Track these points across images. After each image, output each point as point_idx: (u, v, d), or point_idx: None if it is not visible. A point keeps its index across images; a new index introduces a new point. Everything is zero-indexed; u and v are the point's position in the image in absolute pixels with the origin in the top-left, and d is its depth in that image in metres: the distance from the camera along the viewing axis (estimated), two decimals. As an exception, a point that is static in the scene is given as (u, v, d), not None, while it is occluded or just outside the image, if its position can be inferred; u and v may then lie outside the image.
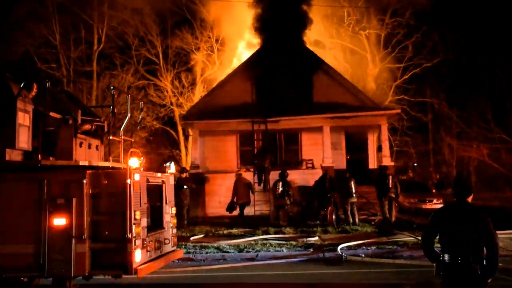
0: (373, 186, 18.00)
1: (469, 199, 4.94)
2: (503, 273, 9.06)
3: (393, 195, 16.74)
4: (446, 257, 4.74)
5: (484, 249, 4.66)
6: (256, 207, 19.03)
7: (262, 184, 19.01)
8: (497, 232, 4.86)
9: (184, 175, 18.14)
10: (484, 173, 32.75)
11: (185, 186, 17.14)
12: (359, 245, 12.63)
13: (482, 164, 32.79)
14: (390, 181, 16.65)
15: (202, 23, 33.47)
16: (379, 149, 22.64)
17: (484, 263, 4.64)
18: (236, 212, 17.91)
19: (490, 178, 32.11)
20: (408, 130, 34.20)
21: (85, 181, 6.70)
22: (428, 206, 20.06)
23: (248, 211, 19.33)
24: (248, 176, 20.17)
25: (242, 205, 17.76)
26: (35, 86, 7.08)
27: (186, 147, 33.78)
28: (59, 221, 6.61)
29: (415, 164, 37.17)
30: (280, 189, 16.78)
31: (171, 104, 33.85)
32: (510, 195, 26.47)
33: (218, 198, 20.34)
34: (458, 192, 4.95)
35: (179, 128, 33.79)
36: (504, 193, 27.88)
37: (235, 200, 17.69)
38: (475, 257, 4.64)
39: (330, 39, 31.53)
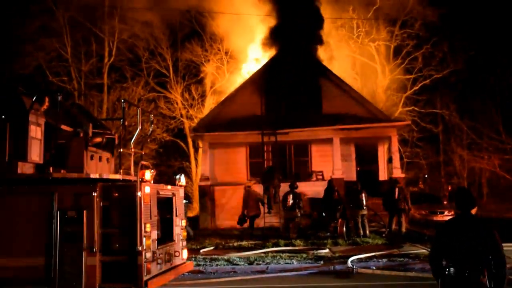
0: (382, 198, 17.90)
1: (473, 211, 4.84)
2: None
3: (402, 207, 16.59)
4: (452, 270, 4.64)
5: (492, 261, 4.58)
6: (266, 219, 18.96)
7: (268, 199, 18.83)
8: (509, 244, 4.81)
9: None
10: (496, 184, 32.41)
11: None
12: (370, 258, 12.52)
13: (494, 175, 32.48)
14: (396, 193, 16.54)
15: (211, 35, 33.71)
16: (390, 160, 22.52)
17: (492, 276, 4.55)
18: (246, 225, 17.86)
19: (502, 190, 31.75)
20: (419, 141, 34.00)
21: (95, 194, 6.74)
22: (439, 218, 19.86)
23: (258, 223, 19.26)
24: (258, 188, 20.16)
25: (252, 217, 17.71)
26: (47, 99, 7.16)
27: (196, 159, 33.86)
28: (70, 234, 6.64)
29: (426, 176, 36.89)
30: (291, 201, 16.72)
31: (181, 116, 33.99)
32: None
33: (228, 210, 20.34)
34: (461, 204, 4.87)
35: (189, 140, 33.90)
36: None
37: (245, 212, 17.64)
38: (482, 270, 4.55)
39: (339, 51, 31.55)
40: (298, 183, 17.53)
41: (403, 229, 16.52)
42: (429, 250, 5.11)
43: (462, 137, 34.55)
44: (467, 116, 33.10)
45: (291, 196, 16.78)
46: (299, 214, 16.76)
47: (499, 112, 31.08)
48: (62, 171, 7.16)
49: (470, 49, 30.87)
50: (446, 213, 20.53)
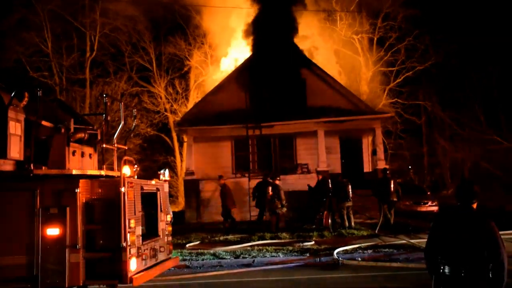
0: (368, 189, 17.97)
1: (474, 205, 4.50)
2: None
3: (395, 199, 16.64)
4: (447, 269, 4.33)
5: (489, 261, 4.23)
6: (252, 213, 18.99)
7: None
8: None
9: None
10: (477, 174, 32.82)
11: None
12: (355, 249, 12.61)
13: (476, 166, 32.90)
14: (392, 185, 16.59)
15: (195, 29, 33.52)
16: (374, 152, 22.68)
17: (489, 278, 4.20)
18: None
19: (484, 179, 32.17)
20: (402, 133, 34.30)
21: (78, 190, 6.64)
22: (423, 208, 20.13)
23: (244, 216, 19.30)
24: (244, 182, 20.18)
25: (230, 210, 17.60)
26: (26, 95, 7.02)
27: (181, 154, 33.74)
28: (52, 231, 6.54)
29: (410, 167, 37.25)
30: (270, 193, 16.64)
31: (165, 110, 33.81)
32: (503, 196, 26.51)
33: (213, 205, 20.31)
34: (462, 196, 4.52)
35: (174, 135, 33.75)
36: (497, 195, 27.92)
37: (227, 206, 17.48)
38: (479, 270, 4.21)
39: (323, 44, 31.57)
40: (283, 176, 17.51)
41: (392, 221, 16.63)
42: (426, 243, 4.64)
43: (445, 128, 34.92)
44: (449, 107, 33.43)
45: (270, 187, 16.64)
46: (279, 205, 16.49)
47: (481, 103, 31.44)
48: (43, 167, 7.04)
49: (451, 41, 31.16)
50: (429, 203, 20.81)
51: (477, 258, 4.22)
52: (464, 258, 4.26)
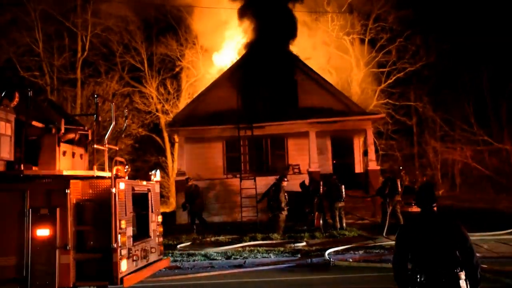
0: (359, 190, 17.97)
1: (435, 208, 4.43)
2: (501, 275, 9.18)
3: (400, 198, 16.43)
4: (424, 277, 4.14)
5: (463, 261, 4.13)
6: (244, 213, 18.99)
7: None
8: (483, 233, 4.56)
9: None
10: (468, 175, 33.09)
11: None
12: (346, 250, 12.64)
13: (466, 166, 33.15)
14: (399, 185, 16.53)
15: (187, 29, 33.48)
16: (365, 153, 22.75)
17: (467, 278, 4.11)
18: (226, 219, 17.88)
19: (474, 180, 32.46)
20: (393, 133, 34.46)
21: (68, 191, 6.61)
22: (414, 209, 20.14)
23: (236, 217, 19.30)
24: (235, 182, 20.17)
25: (197, 213, 17.36)
26: (17, 95, 6.97)
27: (172, 154, 33.66)
28: (43, 232, 6.50)
29: (401, 168, 37.38)
30: (271, 194, 16.55)
31: (157, 111, 33.73)
32: (493, 197, 26.75)
33: (205, 205, 20.25)
34: (425, 200, 4.40)
35: (165, 135, 33.67)
36: (488, 195, 28.18)
37: (188, 207, 17.21)
38: (457, 273, 4.09)
39: (314, 44, 31.65)
40: (275, 177, 17.41)
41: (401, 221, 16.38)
42: (392, 260, 4.46)
43: (436, 129, 35.16)
44: (440, 108, 33.68)
45: (273, 188, 16.50)
46: (276, 207, 16.27)
47: (471, 104, 31.72)
48: (33, 168, 7.00)
49: (442, 42, 31.40)
50: (420, 204, 20.87)
51: (450, 260, 4.12)
52: (438, 262, 4.11)
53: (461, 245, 4.14)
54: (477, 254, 4.15)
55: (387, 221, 15.62)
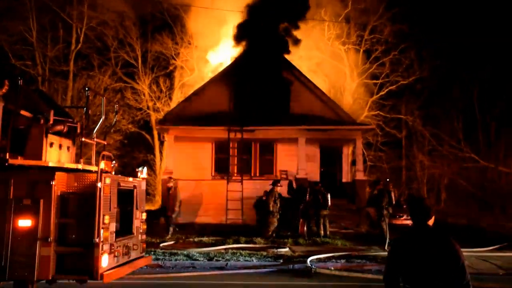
0: (344, 199, 17.97)
1: (430, 222, 4.16)
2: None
3: (391, 211, 16.25)
4: None
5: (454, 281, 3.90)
6: (229, 215, 18.97)
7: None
8: (464, 250, 4.31)
9: None
10: (454, 190, 33.33)
11: None
12: (328, 258, 12.67)
13: (452, 182, 33.40)
14: (393, 196, 16.48)
15: (182, 28, 33.43)
16: (353, 163, 22.84)
17: None
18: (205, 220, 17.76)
19: (460, 196, 32.70)
20: (382, 145, 34.64)
21: (53, 183, 6.55)
22: (399, 221, 20.29)
23: (220, 220, 19.26)
24: (222, 184, 20.13)
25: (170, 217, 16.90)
26: (6, 82, 6.90)
27: (161, 152, 33.54)
28: (24, 223, 6.43)
29: (388, 180, 37.55)
30: (264, 198, 16.72)
31: (148, 108, 33.62)
32: (477, 214, 26.97)
33: (191, 205, 20.21)
34: (415, 215, 4.19)
35: (155, 133, 33.55)
36: (472, 211, 28.42)
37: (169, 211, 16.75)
38: None
39: (309, 52, 31.77)
40: (262, 181, 17.43)
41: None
42: (383, 277, 4.23)
43: (424, 143, 35.37)
44: (430, 123, 33.92)
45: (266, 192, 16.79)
46: (270, 209, 16.32)
47: (460, 121, 31.98)
48: (19, 157, 6.92)
49: (436, 57, 31.68)
50: (405, 217, 20.99)
51: (442, 281, 3.90)
52: (428, 281, 3.92)
53: (454, 264, 3.92)
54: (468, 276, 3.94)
55: (387, 233, 15.23)
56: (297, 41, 23.27)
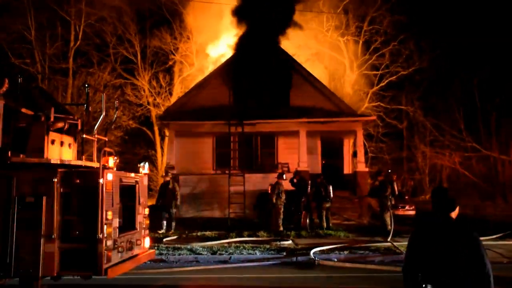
0: (346, 191, 17.97)
1: (453, 214, 4.08)
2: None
3: (393, 202, 16.26)
4: (429, 287, 3.88)
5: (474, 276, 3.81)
6: (231, 209, 19.01)
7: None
8: None
9: None
10: (455, 181, 33.37)
11: None
12: (331, 250, 12.70)
13: (454, 172, 33.42)
14: (396, 187, 16.50)
15: (181, 23, 33.35)
16: (354, 154, 22.85)
17: None
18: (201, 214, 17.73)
19: (462, 186, 32.74)
20: (383, 136, 34.62)
21: (56, 180, 6.58)
22: (401, 212, 20.34)
23: (223, 214, 19.30)
24: (224, 179, 20.14)
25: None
26: (6, 81, 6.92)
27: (162, 148, 33.57)
28: (28, 220, 6.47)
29: (390, 171, 37.58)
30: (269, 191, 16.71)
31: (148, 104, 33.61)
32: (479, 203, 27.01)
33: (192, 200, 20.29)
34: (438, 206, 4.10)
35: (156, 129, 33.58)
36: (474, 201, 28.46)
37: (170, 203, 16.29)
38: (463, 285, 3.79)
39: (308, 44, 31.71)
40: (264, 175, 17.38)
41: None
42: (403, 266, 4.14)
43: (425, 134, 35.37)
44: (431, 113, 33.90)
45: (269, 186, 16.70)
46: (274, 201, 16.28)
47: (461, 111, 31.95)
48: (21, 155, 6.95)
49: (435, 48, 31.60)
50: (407, 207, 21.07)
51: (461, 273, 3.80)
52: (448, 273, 3.83)
53: (475, 261, 3.82)
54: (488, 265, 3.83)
55: (392, 224, 15.26)
56: (295, 25, 23.12)
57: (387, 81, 32.81)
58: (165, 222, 15.97)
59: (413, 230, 4.18)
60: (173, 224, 16.35)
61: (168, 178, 16.71)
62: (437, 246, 3.90)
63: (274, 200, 16.23)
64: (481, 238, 3.95)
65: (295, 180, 17.26)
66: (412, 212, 21.01)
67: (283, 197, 16.38)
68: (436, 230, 3.99)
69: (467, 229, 3.94)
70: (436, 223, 4.04)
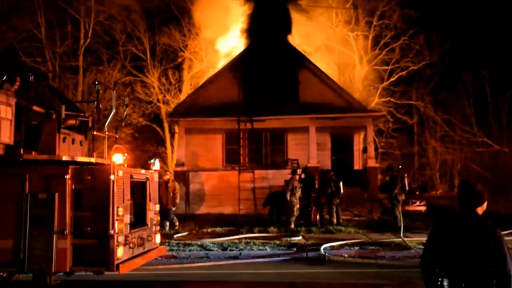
0: (357, 187, 17.90)
1: (479, 209, 3.95)
2: None
3: (403, 197, 16.15)
4: (446, 283, 3.79)
5: (494, 274, 3.68)
6: (241, 206, 19.05)
7: None
8: None
9: None
10: (467, 176, 33.12)
11: None
12: (342, 245, 12.69)
13: (465, 167, 33.20)
14: (406, 183, 16.41)
15: (190, 20, 33.38)
16: (365, 150, 22.76)
17: None
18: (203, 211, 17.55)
19: (473, 181, 32.47)
20: (394, 132, 34.46)
21: (67, 176, 6.64)
22: (411, 208, 20.29)
23: (233, 210, 19.34)
24: (234, 175, 20.14)
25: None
26: (18, 79, 6.99)
27: (172, 145, 33.68)
28: (41, 216, 6.54)
29: (400, 166, 37.44)
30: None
31: (158, 101, 33.71)
32: (491, 198, 26.82)
33: (202, 196, 20.36)
34: (464, 200, 3.96)
35: (165, 125, 33.68)
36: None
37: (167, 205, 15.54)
38: (482, 283, 3.67)
39: (318, 40, 31.60)
40: (273, 171, 17.32)
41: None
42: (421, 255, 4.11)
43: (436, 129, 35.19)
44: (441, 108, 33.69)
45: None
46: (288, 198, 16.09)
47: (472, 105, 31.71)
48: (33, 153, 7.02)
49: (446, 42, 31.36)
50: (417, 203, 21.00)
51: (480, 271, 3.69)
52: (466, 270, 3.72)
53: (496, 259, 3.68)
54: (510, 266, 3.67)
55: (401, 220, 15.26)
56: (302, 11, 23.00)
57: (397, 76, 32.62)
58: (167, 222, 15.53)
59: (435, 223, 4.08)
60: (176, 222, 15.87)
61: (166, 177, 15.95)
62: (458, 241, 3.78)
63: (288, 197, 16.05)
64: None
65: (303, 176, 17.21)
66: (423, 208, 20.93)
67: (298, 193, 16.15)
68: (459, 225, 3.87)
69: (491, 226, 3.80)
70: (460, 217, 3.92)
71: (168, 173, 17.04)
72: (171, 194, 15.65)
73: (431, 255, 3.93)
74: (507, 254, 3.69)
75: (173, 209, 15.84)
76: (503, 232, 12.70)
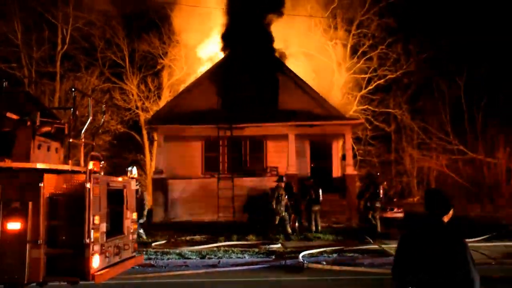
0: (336, 194, 18.00)
1: (445, 217, 3.98)
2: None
3: (379, 204, 16.38)
4: None
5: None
6: (220, 213, 18.98)
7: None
8: None
9: None
10: (443, 183, 33.60)
11: None
12: (320, 253, 12.73)
13: (441, 175, 33.67)
14: (381, 191, 16.61)
15: (169, 27, 33.29)
16: (343, 157, 22.91)
17: None
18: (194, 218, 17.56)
19: (449, 188, 32.95)
20: (372, 139, 34.81)
21: (42, 185, 6.51)
22: (389, 214, 20.46)
23: (212, 218, 19.25)
24: (213, 182, 20.11)
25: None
26: (-9, 85, 6.86)
27: (150, 152, 33.44)
28: (13, 225, 6.38)
29: (378, 174, 37.80)
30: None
31: (137, 108, 33.46)
32: (466, 205, 27.23)
33: (181, 204, 20.21)
34: (430, 208, 4.02)
35: (144, 133, 33.42)
36: (461, 203, 28.68)
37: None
38: None
39: (296, 47, 31.78)
40: (252, 178, 17.36)
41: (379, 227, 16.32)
42: (392, 270, 4.10)
43: (413, 136, 35.65)
44: (418, 116, 34.16)
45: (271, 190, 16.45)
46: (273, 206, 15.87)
47: (448, 114, 32.22)
48: (6, 160, 6.87)
49: (423, 51, 31.90)
50: (395, 210, 21.20)
51: (446, 279, 3.74)
52: (433, 279, 3.76)
53: (460, 265, 3.75)
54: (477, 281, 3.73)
55: (378, 226, 15.46)
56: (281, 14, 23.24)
57: (375, 84, 33.02)
58: (142, 231, 14.92)
59: (404, 233, 4.10)
60: (143, 236, 15.09)
61: (136, 187, 15.41)
62: (425, 249, 3.82)
63: (274, 205, 15.77)
64: (468, 240, 3.94)
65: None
66: (400, 215, 21.14)
67: (284, 201, 15.92)
68: (426, 233, 3.91)
69: (456, 234, 3.85)
70: (427, 226, 3.95)
71: (137, 183, 16.37)
72: (139, 206, 14.78)
73: (401, 264, 3.96)
74: (470, 261, 3.75)
75: (141, 221, 14.22)
76: (475, 239, 12.87)
